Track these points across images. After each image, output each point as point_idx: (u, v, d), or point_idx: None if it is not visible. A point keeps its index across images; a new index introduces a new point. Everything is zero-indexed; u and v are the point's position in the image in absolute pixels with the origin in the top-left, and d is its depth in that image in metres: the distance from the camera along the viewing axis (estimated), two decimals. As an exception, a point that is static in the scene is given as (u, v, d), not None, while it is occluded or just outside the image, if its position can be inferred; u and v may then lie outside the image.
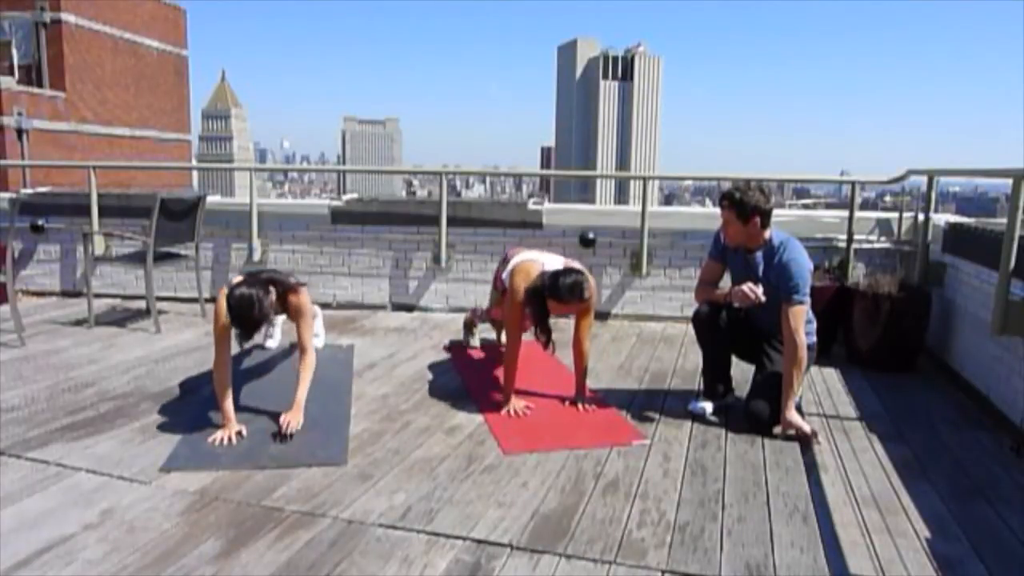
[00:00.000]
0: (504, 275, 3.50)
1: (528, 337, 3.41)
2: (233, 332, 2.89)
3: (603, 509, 2.39)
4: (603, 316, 5.18)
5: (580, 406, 3.32)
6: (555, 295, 3.12)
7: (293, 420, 2.93)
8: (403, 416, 3.23)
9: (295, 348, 3.91)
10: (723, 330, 3.24)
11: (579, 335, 3.34)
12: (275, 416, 3.01)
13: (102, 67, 21.14)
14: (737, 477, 2.65)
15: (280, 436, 2.88)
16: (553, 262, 3.42)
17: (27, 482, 2.52)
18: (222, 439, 2.86)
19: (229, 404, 2.96)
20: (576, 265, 3.33)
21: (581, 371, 3.39)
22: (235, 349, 3.06)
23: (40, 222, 5.77)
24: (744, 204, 3.01)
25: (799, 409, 3.10)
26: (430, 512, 2.35)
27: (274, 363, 3.94)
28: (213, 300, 5.43)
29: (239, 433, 2.90)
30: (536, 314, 3.23)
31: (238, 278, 3.00)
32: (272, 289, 2.95)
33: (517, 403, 3.27)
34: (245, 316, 2.80)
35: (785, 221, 4.43)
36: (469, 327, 4.38)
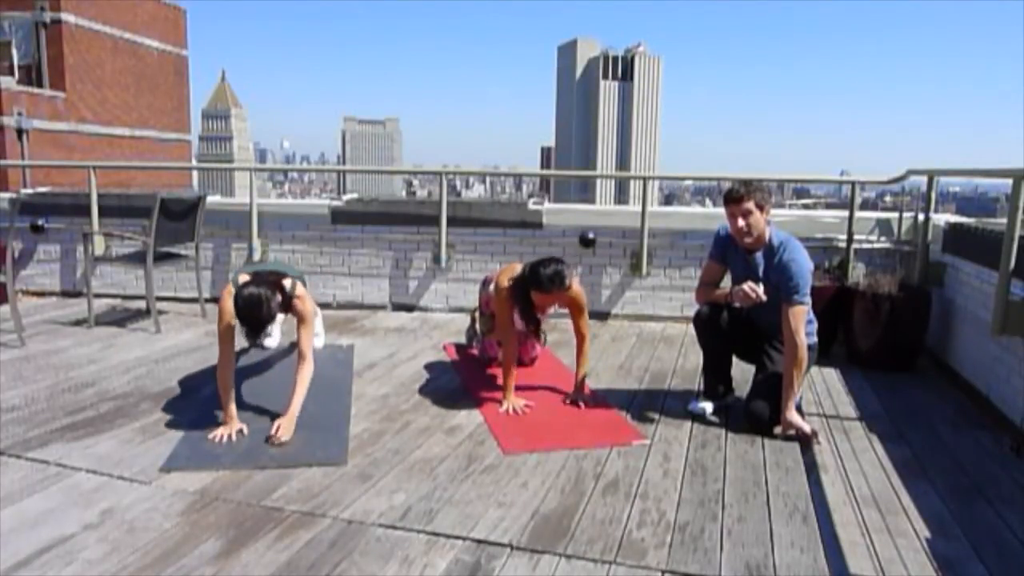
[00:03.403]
0: (491, 287, 3.53)
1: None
2: (238, 331, 2.90)
3: (603, 509, 2.39)
4: (603, 316, 5.18)
5: (581, 404, 3.33)
6: (537, 285, 3.15)
7: (283, 430, 2.88)
8: (403, 416, 3.23)
9: (295, 347, 3.92)
10: (724, 330, 3.23)
11: (577, 328, 3.40)
12: (275, 416, 3.01)
13: (102, 67, 21.12)
14: (737, 477, 2.65)
15: (270, 441, 2.84)
16: None
17: (27, 482, 2.52)
18: (223, 436, 2.86)
19: (232, 403, 2.97)
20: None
21: (582, 365, 3.43)
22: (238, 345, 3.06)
23: (40, 222, 5.77)
24: (760, 191, 3.02)
25: (799, 409, 3.10)
26: (430, 512, 2.35)
27: (274, 363, 3.94)
28: (214, 300, 5.46)
29: (240, 432, 2.91)
30: (521, 305, 3.25)
31: (244, 277, 3.00)
32: (277, 292, 2.95)
33: (516, 401, 3.27)
34: (253, 315, 2.81)
35: (785, 221, 4.43)
36: (473, 325, 4.38)
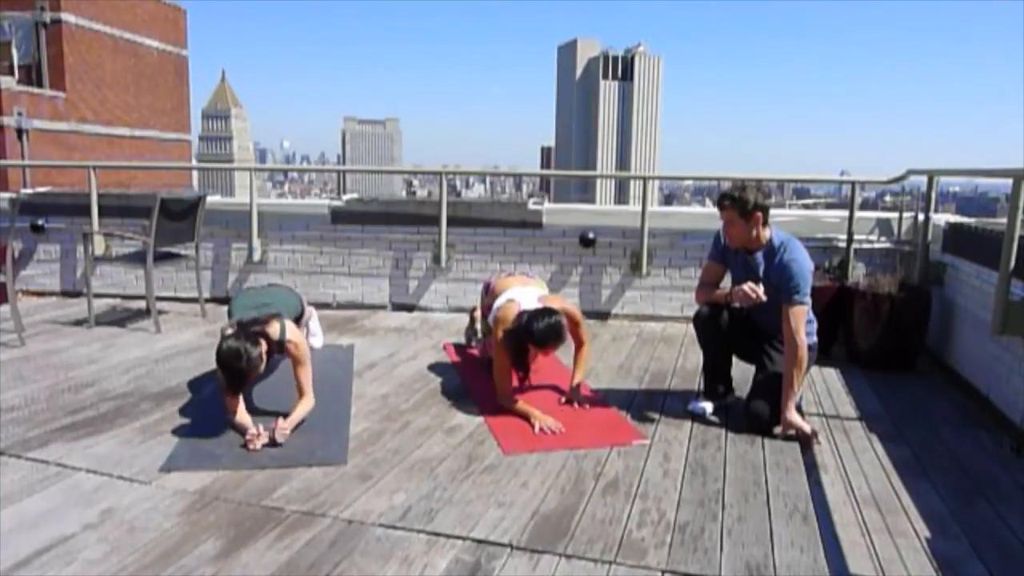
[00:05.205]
0: (490, 317, 3.51)
1: None
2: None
3: (603, 509, 2.39)
4: (603, 316, 5.18)
5: (579, 405, 3.32)
6: (532, 340, 3.14)
7: (282, 426, 2.87)
8: (403, 416, 3.23)
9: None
10: (724, 330, 3.23)
11: (575, 335, 3.42)
12: (278, 417, 3.01)
13: (102, 67, 21.13)
14: (737, 477, 2.65)
15: (271, 442, 2.83)
16: (528, 298, 3.39)
17: (27, 482, 2.52)
18: (255, 438, 2.82)
19: (240, 420, 2.94)
20: (551, 300, 3.38)
21: (578, 368, 3.45)
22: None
23: (40, 222, 5.77)
24: (744, 201, 3.01)
25: (799, 409, 3.10)
26: (430, 512, 2.35)
27: (276, 364, 3.93)
28: (214, 300, 5.47)
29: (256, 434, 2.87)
30: (514, 355, 3.24)
31: (230, 329, 2.96)
32: (262, 341, 2.92)
33: (546, 419, 3.11)
34: (233, 368, 2.82)
35: (785, 221, 4.43)
36: (472, 324, 4.37)
